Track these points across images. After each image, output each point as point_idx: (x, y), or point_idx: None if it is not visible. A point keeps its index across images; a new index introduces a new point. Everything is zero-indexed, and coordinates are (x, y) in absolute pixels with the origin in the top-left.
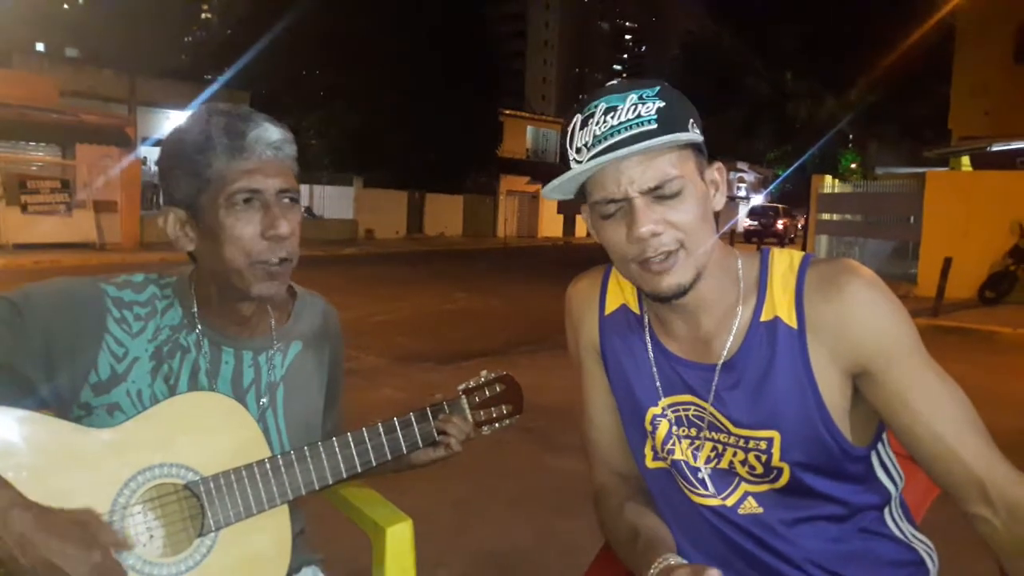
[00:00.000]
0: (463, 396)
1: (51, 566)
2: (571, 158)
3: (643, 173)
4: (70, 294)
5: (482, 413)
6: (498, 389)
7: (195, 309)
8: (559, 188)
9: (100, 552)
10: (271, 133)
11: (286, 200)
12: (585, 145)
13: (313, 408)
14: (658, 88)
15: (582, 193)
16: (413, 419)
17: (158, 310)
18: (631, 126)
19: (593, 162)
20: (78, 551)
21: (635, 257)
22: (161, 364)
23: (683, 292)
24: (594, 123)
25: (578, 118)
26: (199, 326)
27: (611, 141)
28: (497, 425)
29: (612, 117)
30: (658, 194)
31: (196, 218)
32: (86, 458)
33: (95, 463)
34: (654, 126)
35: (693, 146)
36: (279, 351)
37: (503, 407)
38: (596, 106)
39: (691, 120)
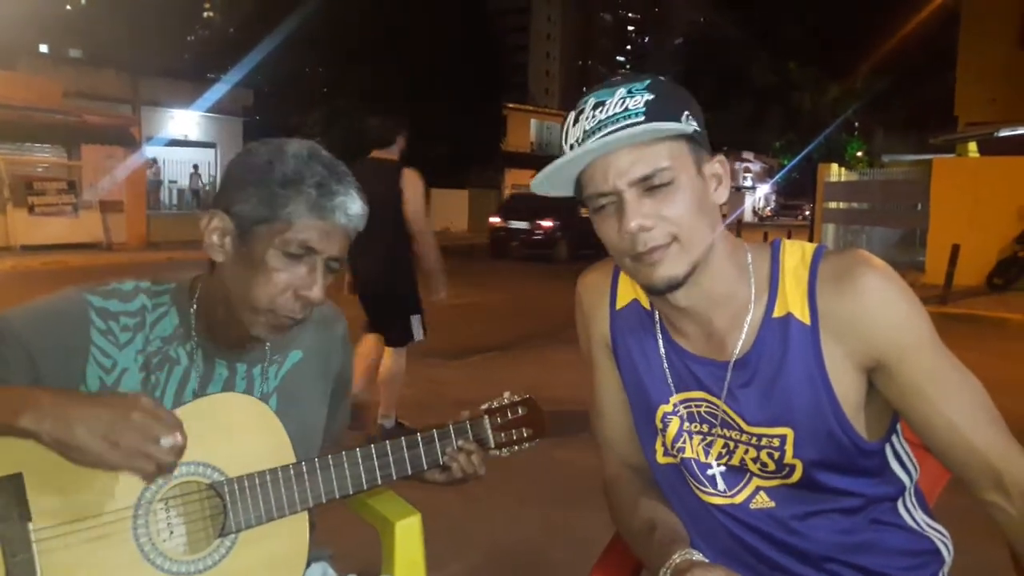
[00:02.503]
0: (485, 417)
1: (105, 421)
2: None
3: (632, 164)
4: (49, 312)
5: (503, 435)
6: (520, 412)
7: (193, 320)
8: (548, 180)
9: (140, 411)
10: (356, 206)
11: (330, 267)
12: (577, 140)
13: (310, 417)
14: (648, 81)
15: (580, 191)
16: (436, 436)
17: (147, 322)
18: (618, 119)
19: (577, 151)
20: (118, 404)
21: (627, 251)
22: (149, 375)
23: (677, 285)
24: (584, 118)
25: (572, 114)
26: (195, 337)
27: (599, 135)
28: (517, 448)
29: (600, 111)
30: (648, 185)
31: (243, 239)
32: None
33: None
34: (641, 119)
35: (688, 139)
36: (275, 362)
37: (524, 430)
38: (586, 102)
39: (685, 113)
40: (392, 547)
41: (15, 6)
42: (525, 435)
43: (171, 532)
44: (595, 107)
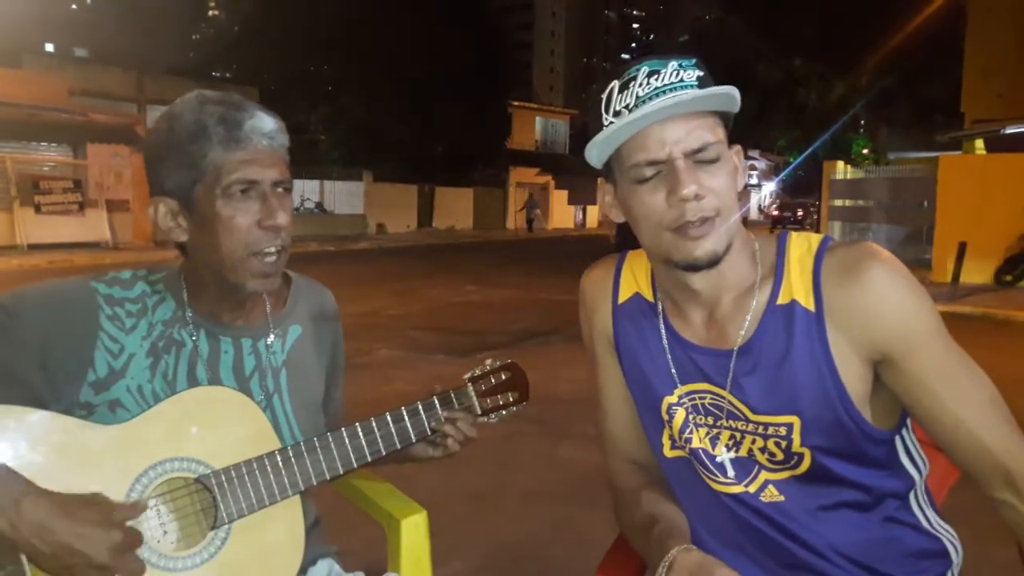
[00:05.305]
0: (469, 385)
1: (72, 550)
2: (607, 122)
3: (688, 135)
4: (61, 295)
5: (488, 401)
6: (504, 377)
7: (188, 302)
8: (602, 144)
9: (119, 531)
10: (265, 123)
11: (280, 190)
12: (626, 107)
13: (317, 390)
14: (695, 60)
15: (606, 165)
16: (421, 408)
17: (149, 307)
18: (675, 88)
19: (650, 106)
20: (97, 532)
21: (672, 223)
22: (158, 360)
23: (717, 260)
24: (636, 85)
25: (615, 83)
26: (192, 316)
27: (657, 100)
28: (504, 412)
29: (656, 79)
30: (699, 158)
31: (189, 208)
32: (97, 455)
33: (106, 460)
34: (697, 90)
35: (724, 120)
36: (278, 336)
37: (509, 394)
38: (638, 70)
39: None
40: (398, 544)
41: (21, 4)
42: (511, 399)
43: (164, 530)
44: (649, 75)
